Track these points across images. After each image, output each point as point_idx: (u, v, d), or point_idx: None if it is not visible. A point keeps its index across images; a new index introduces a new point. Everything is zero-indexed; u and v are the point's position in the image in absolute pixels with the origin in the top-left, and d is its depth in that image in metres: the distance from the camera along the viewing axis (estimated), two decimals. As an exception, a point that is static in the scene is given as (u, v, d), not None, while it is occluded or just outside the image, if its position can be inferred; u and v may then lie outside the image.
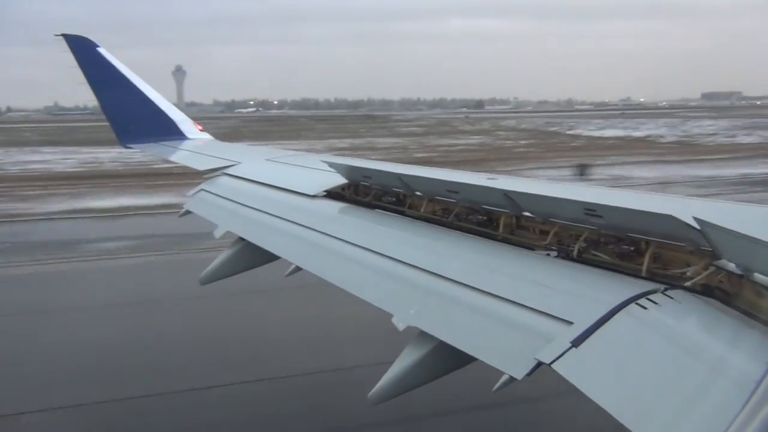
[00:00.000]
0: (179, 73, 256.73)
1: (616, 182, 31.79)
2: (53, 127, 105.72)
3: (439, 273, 3.78)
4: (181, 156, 10.53)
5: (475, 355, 3.06)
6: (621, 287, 3.04)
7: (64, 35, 10.87)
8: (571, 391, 2.47)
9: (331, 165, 6.28)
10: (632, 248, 3.41)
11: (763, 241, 2.51)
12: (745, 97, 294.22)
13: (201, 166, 9.00)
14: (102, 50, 11.21)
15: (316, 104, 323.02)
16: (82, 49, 11.02)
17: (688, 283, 3.00)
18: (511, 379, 2.76)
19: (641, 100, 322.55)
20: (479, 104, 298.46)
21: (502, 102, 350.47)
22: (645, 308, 2.78)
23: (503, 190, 4.14)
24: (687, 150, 53.27)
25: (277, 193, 6.64)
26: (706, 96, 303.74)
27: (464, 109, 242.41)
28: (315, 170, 7.12)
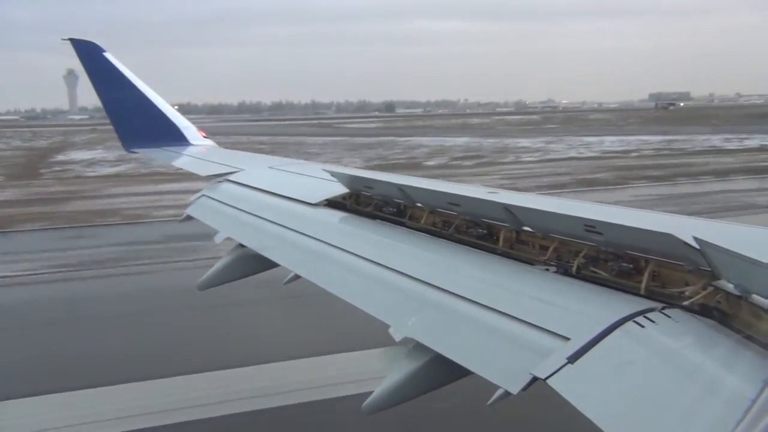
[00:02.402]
0: (71, 77, 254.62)
1: None
2: None
3: (437, 285, 3.78)
4: (184, 162, 10.58)
5: (471, 369, 3.05)
6: (619, 304, 3.04)
7: (71, 40, 10.94)
8: (565, 407, 2.47)
9: (333, 174, 6.29)
10: (631, 266, 3.41)
11: (763, 263, 2.51)
12: (690, 98, 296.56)
13: (203, 172, 9.03)
14: (108, 55, 11.27)
15: (227, 108, 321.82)
16: (89, 54, 11.08)
17: (686, 303, 2.99)
18: (506, 393, 2.75)
19: (563, 102, 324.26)
20: (389, 107, 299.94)
21: (447, 104, 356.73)
22: (642, 326, 2.77)
23: (504, 204, 4.14)
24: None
25: (279, 200, 6.65)
26: (653, 97, 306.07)
27: (376, 113, 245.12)
28: (317, 179, 7.14)
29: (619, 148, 55.01)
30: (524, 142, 65.65)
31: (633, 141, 63.07)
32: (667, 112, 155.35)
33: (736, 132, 70.28)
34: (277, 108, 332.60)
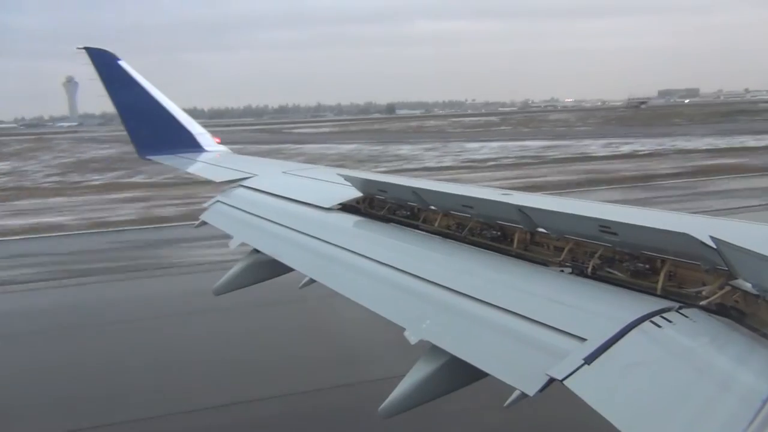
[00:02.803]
0: (71, 84, 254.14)
1: None
2: None
3: (452, 288, 3.78)
4: (198, 168, 10.66)
5: (487, 371, 3.05)
6: (635, 305, 3.02)
7: (86, 48, 11.08)
8: (582, 408, 2.46)
9: (347, 178, 6.32)
10: (647, 266, 3.39)
11: None
12: (697, 94, 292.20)
13: (217, 177, 9.10)
14: (123, 63, 11.40)
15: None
16: (104, 62, 11.21)
17: (703, 302, 2.97)
18: (523, 395, 2.75)
19: (568, 100, 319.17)
20: (390, 109, 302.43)
21: (452, 105, 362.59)
22: (659, 326, 2.76)
23: (518, 205, 4.14)
24: None
25: (293, 205, 6.69)
26: (662, 93, 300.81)
27: (377, 114, 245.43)
28: (330, 183, 7.17)
29: (481, 157, 51.03)
30: (406, 149, 60.91)
31: (513, 148, 57.75)
32: (637, 111, 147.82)
33: (674, 134, 66.04)
34: (281, 111, 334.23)
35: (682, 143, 57.01)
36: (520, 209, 4.09)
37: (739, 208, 23.81)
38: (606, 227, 3.46)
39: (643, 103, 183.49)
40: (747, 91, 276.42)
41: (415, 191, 5.25)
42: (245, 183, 8.23)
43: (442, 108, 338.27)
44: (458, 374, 3.36)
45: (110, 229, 24.35)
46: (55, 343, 13.09)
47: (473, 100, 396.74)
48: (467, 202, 4.74)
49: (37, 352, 12.53)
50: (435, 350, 3.41)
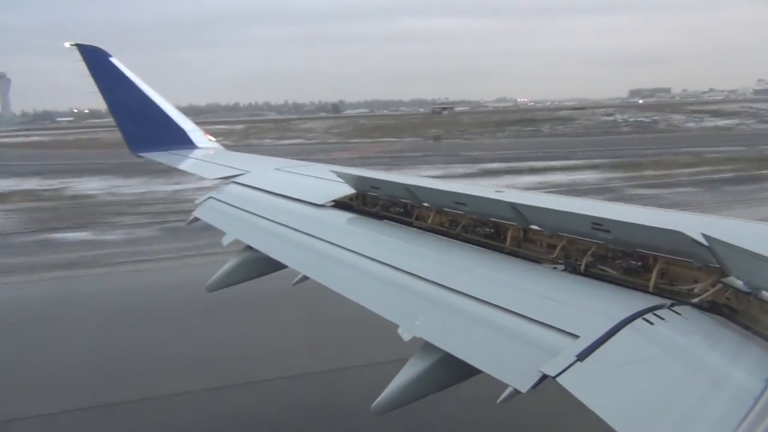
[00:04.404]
0: (3, 81, 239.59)
1: None
2: None
3: (445, 285, 3.79)
4: (190, 164, 10.62)
5: (480, 367, 3.06)
6: (628, 302, 3.03)
7: (78, 45, 11.02)
8: (575, 404, 2.46)
9: (340, 175, 6.31)
10: (640, 263, 3.40)
11: None
12: (671, 93, 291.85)
13: (210, 174, 9.07)
14: (114, 60, 11.35)
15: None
16: (95, 59, 11.16)
17: (695, 300, 2.99)
18: (516, 391, 2.76)
19: (523, 100, 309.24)
20: (336, 108, 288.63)
21: (422, 104, 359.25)
22: (651, 323, 2.77)
23: (511, 203, 4.15)
24: None
25: (286, 202, 6.68)
26: (633, 93, 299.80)
27: (322, 114, 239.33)
28: (323, 180, 7.16)
29: None
30: None
31: None
32: (425, 118, 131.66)
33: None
34: (234, 109, 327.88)
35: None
36: (514, 206, 4.10)
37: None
38: (599, 225, 3.47)
39: (445, 109, 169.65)
40: (710, 90, 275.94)
41: (408, 188, 5.24)
42: (238, 180, 8.21)
43: (410, 105, 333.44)
44: (451, 371, 3.37)
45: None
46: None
47: (446, 98, 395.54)
48: (460, 200, 4.74)
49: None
50: (428, 347, 3.41)
